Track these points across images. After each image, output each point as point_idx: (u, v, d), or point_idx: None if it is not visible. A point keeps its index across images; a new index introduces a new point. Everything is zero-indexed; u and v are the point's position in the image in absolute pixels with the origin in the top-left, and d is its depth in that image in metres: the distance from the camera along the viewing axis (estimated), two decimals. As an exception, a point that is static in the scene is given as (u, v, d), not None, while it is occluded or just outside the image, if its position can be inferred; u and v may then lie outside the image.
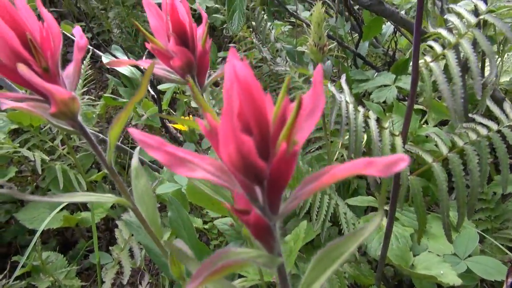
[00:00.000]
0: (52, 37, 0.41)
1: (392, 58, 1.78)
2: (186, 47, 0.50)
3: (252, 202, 0.33)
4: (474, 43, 0.74)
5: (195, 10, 2.57)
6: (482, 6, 0.59)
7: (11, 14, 0.39)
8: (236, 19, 1.08)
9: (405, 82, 1.42)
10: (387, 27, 1.90)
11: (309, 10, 2.57)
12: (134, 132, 0.29)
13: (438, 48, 0.63)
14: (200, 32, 0.54)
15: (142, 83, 0.44)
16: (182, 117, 0.93)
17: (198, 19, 2.65)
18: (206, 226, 1.30)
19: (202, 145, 1.51)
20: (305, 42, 2.23)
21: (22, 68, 0.37)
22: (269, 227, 0.33)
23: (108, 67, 1.72)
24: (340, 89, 0.74)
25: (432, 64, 0.62)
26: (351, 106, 0.69)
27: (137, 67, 1.63)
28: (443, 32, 0.63)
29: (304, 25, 1.79)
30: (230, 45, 2.38)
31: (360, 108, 0.71)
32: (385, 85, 1.44)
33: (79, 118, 0.45)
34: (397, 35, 1.81)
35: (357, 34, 1.99)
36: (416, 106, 1.47)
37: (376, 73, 1.57)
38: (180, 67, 0.50)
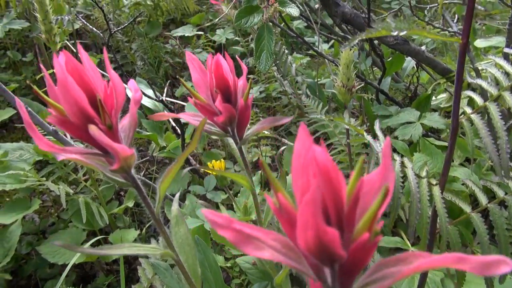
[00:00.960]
0: (116, 95, 0.42)
1: (413, 93, 1.78)
2: (229, 102, 0.51)
3: (321, 283, 0.31)
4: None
5: (214, 42, 2.62)
6: (525, 60, 0.59)
7: (80, 74, 0.40)
8: (264, 59, 1.09)
9: (430, 119, 1.41)
10: (408, 62, 1.91)
11: (327, 42, 2.60)
12: (206, 213, 0.28)
13: (478, 99, 0.62)
14: (241, 84, 0.55)
15: (194, 137, 0.44)
16: (214, 161, 0.92)
17: (217, 50, 2.70)
18: (228, 264, 1.28)
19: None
20: (323, 74, 2.24)
21: (93, 129, 0.38)
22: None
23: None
24: (374, 136, 0.73)
25: (473, 116, 0.61)
26: (388, 155, 0.68)
27: (159, 99, 1.65)
28: (484, 84, 0.62)
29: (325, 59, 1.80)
30: (249, 76, 2.41)
31: (397, 157, 0.70)
32: (410, 122, 1.43)
33: (132, 171, 0.45)
34: (418, 69, 1.81)
35: (376, 68, 2.00)
36: (439, 143, 1.45)
37: (399, 109, 1.56)
38: (223, 122, 0.50)
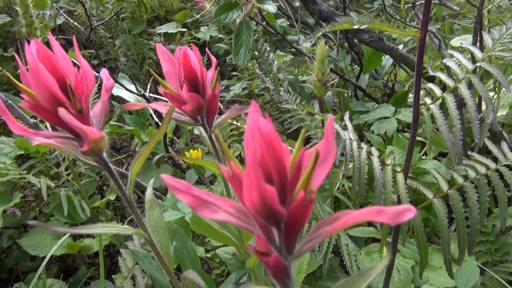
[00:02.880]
0: (86, 82, 0.45)
1: (391, 90, 1.83)
2: (197, 92, 0.53)
3: (269, 242, 0.35)
4: (469, 85, 0.78)
5: (198, 39, 2.64)
6: (478, 54, 0.63)
7: (51, 61, 0.42)
8: (242, 54, 1.12)
9: (404, 114, 1.46)
10: (387, 60, 1.96)
11: (310, 41, 2.65)
12: (165, 177, 0.31)
13: (437, 91, 0.66)
14: (210, 75, 0.58)
15: (163, 123, 0.46)
16: (191, 150, 0.95)
17: (201, 47, 2.72)
18: (208, 255, 1.30)
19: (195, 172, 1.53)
20: (306, 72, 2.29)
21: (62, 112, 0.40)
22: (286, 267, 0.36)
23: (114, 94, 1.76)
24: (344, 126, 0.77)
25: (432, 106, 0.65)
26: (355, 144, 0.71)
27: (140, 94, 1.67)
28: (442, 76, 0.66)
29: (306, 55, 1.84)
30: (233, 73, 2.44)
31: (363, 145, 0.74)
32: (385, 117, 1.48)
33: (104, 154, 0.48)
34: (396, 67, 1.86)
35: (357, 66, 2.05)
36: (415, 138, 1.50)
37: (376, 105, 1.61)
38: (191, 111, 0.53)
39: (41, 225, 0.45)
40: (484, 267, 1.14)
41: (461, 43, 0.80)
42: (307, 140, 1.59)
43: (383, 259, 0.42)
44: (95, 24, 1.25)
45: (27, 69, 0.47)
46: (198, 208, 0.33)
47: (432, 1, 1.97)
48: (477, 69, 0.62)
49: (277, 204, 0.30)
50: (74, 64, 0.47)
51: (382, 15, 2.86)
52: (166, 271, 0.57)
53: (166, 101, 1.95)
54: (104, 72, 0.51)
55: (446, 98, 0.64)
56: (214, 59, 0.57)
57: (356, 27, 0.56)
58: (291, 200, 0.34)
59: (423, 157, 1.48)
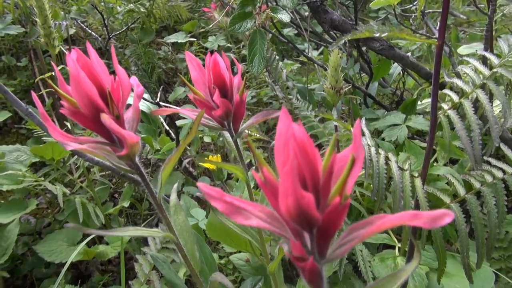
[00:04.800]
0: (122, 89, 0.46)
1: (400, 98, 1.85)
2: (225, 97, 0.55)
3: (302, 247, 0.36)
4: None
5: (206, 49, 2.67)
6: (495, 61, 0.65)
7: (90, 69, 0.44)
8: (257, 62, 1.14)
9: (415, 121, 1.47)
10: (395, 68, 1.98)
11: (317, 49, 2.67)
12: (200, 185, 0.33)
13: (454, 97, 0.68)
14: (236, 81, 0.60)
15: (191, 129, 0.48)
16: (210, 156, 0.97)
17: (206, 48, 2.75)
18: (222, 261, 1.31)
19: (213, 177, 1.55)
20: (313, 80, 2.30)
21: (104, 118, 0.42)
22: (320, 271, 0.37)
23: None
24: (362, 133, 0.78)
25: (450, 112, 0.66)
26: (373, 149, 0.73)
27: (155, 102, 1.69)
28: (459, 82, 0.68)
29: (315, 64, 1.86)
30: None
31: (381, 151, 0.75)
32: (396, 124, 1.49)
33: (136, 158, 0.49)
34: (404, 75, 1.88)
35: (364, 73, 2.07)
36: (424, 145, 1.51)
37: (386, 112, 1.63)
38: (220, 116, 0.54)
39: (78, 227, 0.47)
40: (499, 273, 1.14)
41: (476, 50, 0.82)
42: (318, 146, 1.60)
43: (413, 262, 0.43)
44: (112, 34, 1.28)
45: (64, 78, 0.49)
46: (232, 214, 0.35)
47: (437, 10, 1.99)
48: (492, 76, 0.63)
49: (314, 210, 0.32)
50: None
51: (385, 24, 2.88)
52: (192, 274, 0.58)
53: (176, 108, 1.96)
54: (134, 80, 0.53)
55: (464, 104, 0.65)
56: (239, 66, 0.59)
57: (376, 35, 0.58)
58: (325, 204, 0.35)
59: (433, 163, 1.49)
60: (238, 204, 0.36)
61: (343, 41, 0.59)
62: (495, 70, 0.64)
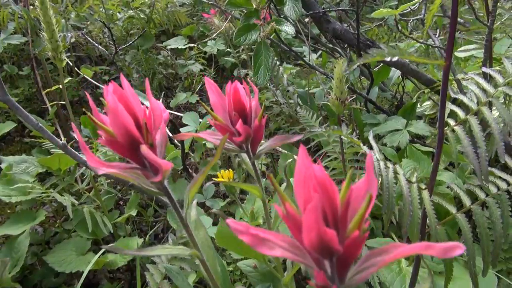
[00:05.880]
0: (154, 117, 0.49)
1: (400, 101, 1.88)
2: (244, 123, 0.58)
3: (324, 275, 0.39)
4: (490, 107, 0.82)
5: (205, 53, 2.69)
6: (500, 79, 0.67)
7: (125, 100, 0.46)
8: (262, 73, 1.16)
9: (416, 127, 1.50)
10: (394, 72, 2.01)
11: (315, 52, 2.70)
12: (230, 222, 0.35)
13: (461, 113, 0.70)
14: (254, 104, 0.62)
15: (217, 151, 0.50)
16: (222, 170, 0.99)
17: (208, 60, 2.77)
18: (230, 268, 1.33)
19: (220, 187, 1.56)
20: (314, 83, 2.33)
21: (144, 149, 0.45)
22: (339, 296, 0.39)
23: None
24: (369, 146, 0.81)
25: (456, 128, 0.69)
26: (382, 163, 0.75)
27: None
28: (465, 99, 0.70)
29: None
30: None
31: (389, 164, 0.78)
32: (397, 130, 1.52)
33: (165, 182, 0.52)
34: (404, 79, 1.91)
35: (363, 77, 2.10)
36: (425, 148, 1.55)
37: (387, 117, 1.66)
38: (242, 141, 0.57)
39: (117, 249, 0.49)
40: (500, 275, 1.17)
41: (482, 70, 0.85)
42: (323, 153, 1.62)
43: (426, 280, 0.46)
44: (119, 48, 1.30)
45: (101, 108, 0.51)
46: (257, 246, 0.37)
47: (437, 14, 2.02)
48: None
49: (336, 243, 0.34)
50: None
51: (384, 25, 2.92)
52: (214, 286, 0.61)
53: (178, 115, 1.98)
54: (159, 104, 0.55)
55: (470, 120, 0.68)
56: (256, 89, 0.62)
57: (387, 59, 0.60)
58: (344, 236, 0.38)
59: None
60: (263, 236, 0.39)
61: (356, 66, 0.62)
62: (500, 88, 0.67)
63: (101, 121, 0.47)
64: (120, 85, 0.52)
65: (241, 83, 0.60)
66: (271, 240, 0.39)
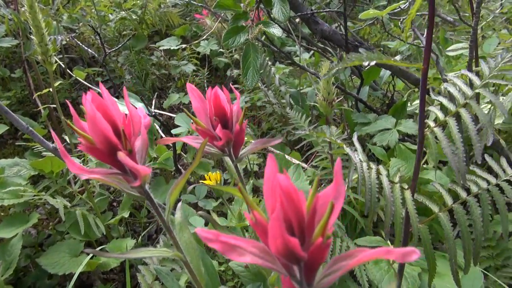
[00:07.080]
0: (133, 124, 0.50)
1: (390, 100, 1.89)
2: (225, 127, 0.59)
3: (291, 278, 0.41)
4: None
5: (198, 53, 2.70)
6: (477, 81, 0.69)
7: (104, 108, 0.48)
8: (250, 75, 1.17)
9: (405, 126, 1.52)
10: (385, 71, 2.03)
11: (308, 51, 2.71)
12: (198, 231, 0.37)
13: (440, 114, 0.72)
14: (235, 109, 0.63)
15: (196, 156, 0.52)
16: (210, 173, 1.00)
17: (201, 60, 2.78)
18: (221, 268, 1.35)
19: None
20: (306, 82, 2.34)
21: (121, 156, 0.46)
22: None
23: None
24: (353, 147, 0.82)
25: (436, 129, 0.70)
26: (365, 165, 0.77)
27: (151, 114, 1.72)
28: (444, 101, 0.72)
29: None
30: (235, 86, 2.50)
31: (372, 165, 0.79)
32: (387, 129, 1.54)
33: (146, 186, 0.53)
34: (394, 78, 1.93)
35: (355, 76, 2.11)
36: (415, 147, 1.56)
37: (377, 116, 1.67)
38: (222, 145, 0.58)
39: (98, 253, 0.50)
40: (487, 272, 1.19)
41: (461, 72, 0.87)
42: (313, 154, 1.64)
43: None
44: (109, 51, 1.30)
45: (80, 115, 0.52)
46: (227, 252, 0.39)
47: (424, 13, 2.03)
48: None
49: (300, 250, 0.36)
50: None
51: (377, 24, 2.93)
52: (198, 287, 0.62)
53: (170, 115, 1.99)
54: (141, 110, 0.56)
55: (448, 122, 0.69)
56: (238, 94, 0.63)
57: (366, 63, 0.62)
58: (310, 242, 0.39)
59: (424, 165, 1.54)
60: (233, 243, 0.40)
61: (335, 70, 0.63)
62: (476, 90, 0.68)
63: (82, 128, 0.49)
64: (110, 88, 0.53)
65: (234, 83, 0.61)
66: (241, 247, 0.41)
